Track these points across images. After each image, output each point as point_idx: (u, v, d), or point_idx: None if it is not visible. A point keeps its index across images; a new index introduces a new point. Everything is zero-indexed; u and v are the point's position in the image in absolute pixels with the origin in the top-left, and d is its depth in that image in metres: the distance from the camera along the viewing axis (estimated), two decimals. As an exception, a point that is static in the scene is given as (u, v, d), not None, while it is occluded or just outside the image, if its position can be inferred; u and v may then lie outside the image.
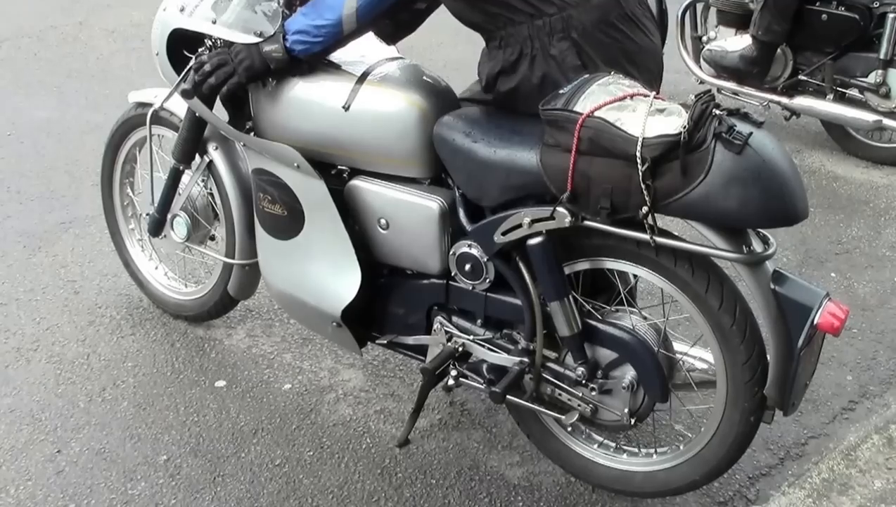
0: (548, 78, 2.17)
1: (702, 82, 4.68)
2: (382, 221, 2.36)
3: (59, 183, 4.19)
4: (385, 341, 2.54)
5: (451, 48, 5.40)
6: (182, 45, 2.55)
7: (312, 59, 2.35)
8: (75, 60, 5.86)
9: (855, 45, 4.26)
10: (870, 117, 4.24)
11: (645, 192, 1.92)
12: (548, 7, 2.14)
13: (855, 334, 3.15)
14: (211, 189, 2.88)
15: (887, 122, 4.24)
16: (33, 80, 5.50)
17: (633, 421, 2.24)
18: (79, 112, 5.03)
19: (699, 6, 4.85)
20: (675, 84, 4.84)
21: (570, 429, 2.42)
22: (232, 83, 2.36)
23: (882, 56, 4.17)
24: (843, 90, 4.36)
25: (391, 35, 2.59)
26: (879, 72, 4.20)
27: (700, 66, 4.78)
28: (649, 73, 2.27)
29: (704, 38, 4.79)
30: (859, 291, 3.44)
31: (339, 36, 2.27)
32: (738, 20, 4.60)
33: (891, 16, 4.09)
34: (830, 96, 4.36)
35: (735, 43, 4.54)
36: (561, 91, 2.07)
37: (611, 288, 2.33)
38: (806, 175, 4.37)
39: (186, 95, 2.48)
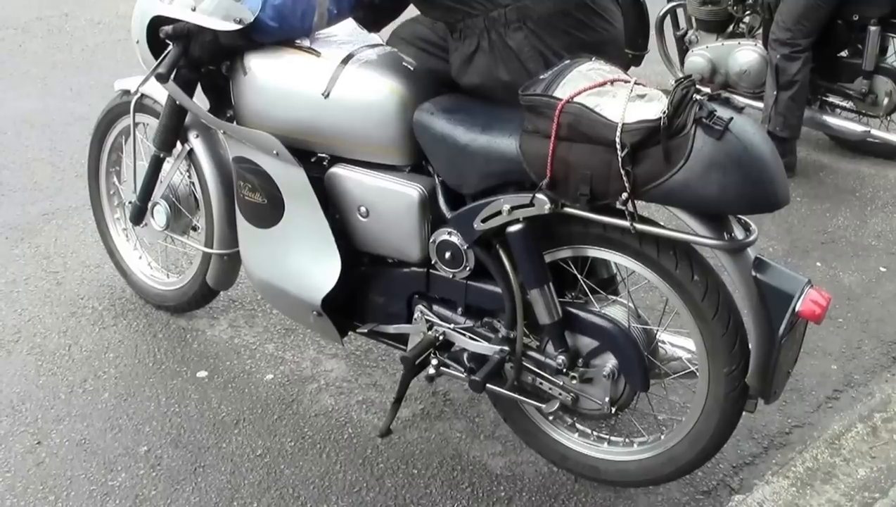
0: (510, 70, 2.15)
1: None
2: (362, 208, 2.34)
3: (42, 174, 4.17)
4: (366, 331, 2.53)
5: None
6: (162, 32, 2.53)
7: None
8: (60, 52, 5.83)
9: (840, 54, 4.28)
10: (858, 128, 4.27)
11: (624, 178, 1.90)
12: None
13: (840, 323, 3.15)
14: (193, 178, 2.85)
15: (875, 132, 4.26)
16: (17, 72, 5.47)
17: (613, 410, 2.22)
18: (63, 103, 5.00)
19: (679, 10, 4.81)
20: (665, 75, 4.83)
21: (551, 418, 2.40)
22: None
23: (865, 67, 4.18)
24: (829, 98, 4.37)
25: (373, 22, 2.57)
26: (864, 81, 4.20)
27: (683, 68, 4.72)
28: (612, 63, 2.22)
29: (686, 39, 4.73)
30: (844, 280, 3.43)
31: None
32: (718, 26, 4.58)
33: (872, 28, 4.08)
34: (817, 104, 4.37)
35: None
36: (541, 76, 2.05)
37: (594, 277, 2.32)
38: (793, 165, 4.37)
39: (161, 78, 2.45)
